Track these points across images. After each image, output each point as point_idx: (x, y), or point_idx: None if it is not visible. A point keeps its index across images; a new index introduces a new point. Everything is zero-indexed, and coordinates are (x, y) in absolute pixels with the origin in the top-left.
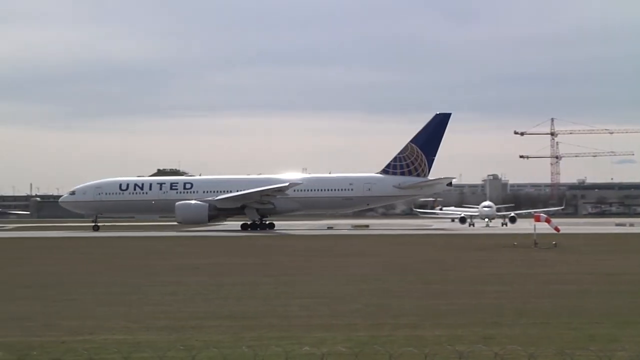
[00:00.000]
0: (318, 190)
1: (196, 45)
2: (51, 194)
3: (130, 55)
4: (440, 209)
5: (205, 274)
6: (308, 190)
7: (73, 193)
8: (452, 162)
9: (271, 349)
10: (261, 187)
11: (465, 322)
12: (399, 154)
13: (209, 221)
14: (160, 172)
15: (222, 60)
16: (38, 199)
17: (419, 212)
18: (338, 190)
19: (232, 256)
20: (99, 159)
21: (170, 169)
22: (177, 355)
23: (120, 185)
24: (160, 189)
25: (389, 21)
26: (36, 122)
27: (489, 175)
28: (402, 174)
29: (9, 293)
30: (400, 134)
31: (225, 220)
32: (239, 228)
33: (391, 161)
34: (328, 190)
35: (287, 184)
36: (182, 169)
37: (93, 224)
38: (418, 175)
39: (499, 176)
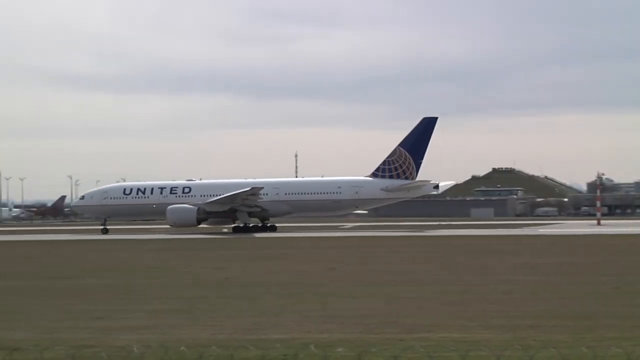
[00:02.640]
0: (309, 193)
1: (526, 43)
2: None
3: (460, 55)
4: None
5: (539, 273)
6: (299, 194)
7: (82, 198)
8: None
9: (611, 350)
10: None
11: None
12: (387, 157)
13: (198, 224)
14: (494, 171)
15: (553, 57)
16: None
17: None
18: (327, 193)
19: (553, 256)
20: (430, 159)
21: (505, 168)
22: (514, 354)
23: (125, 189)
24: (161, 193)
25: None
26: (363, 123)
27: None
28: (391, 177)
29: (354, 291)
30: None
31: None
32: (231, 231)
33: (380, 165)
34: (318, 193)
35: (248, 189)
36: (517, 168)
37: (102, 227)
38: (406, 178)
39: None
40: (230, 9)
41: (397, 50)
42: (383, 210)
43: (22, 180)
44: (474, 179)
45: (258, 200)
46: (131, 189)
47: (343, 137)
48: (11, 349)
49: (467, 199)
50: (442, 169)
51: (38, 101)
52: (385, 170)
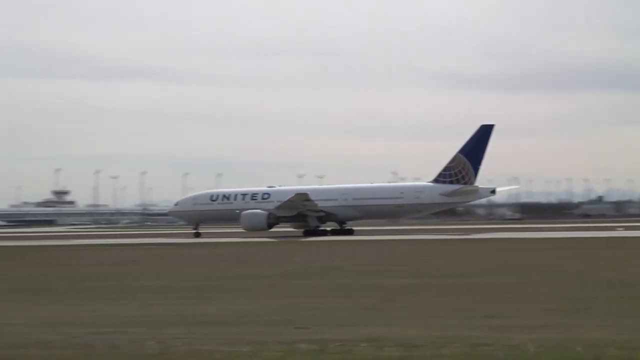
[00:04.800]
0: (374, 198)
1: None
2: None
3: None
4: None
5: None
6: (365, 199)
7: (177, 204)
8: None
9: None
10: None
11: None
12: (448, 163)
13: (269, 228)
14: None
15: None
16: None
17: None
18: (391, 198)
19: None
20: None
21: None
22: None
23: (211, 196)
24: (243, 199)
25: None
26: None
27: None
28: (451, 182)
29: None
30: None
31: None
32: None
33: (442, 171)
34: (382, 198)
35: (292, 196)
36: None
37: (194, 232)
38: (465, 183)
39: None
40: (623, 2)
41: None
42: None
43: (416, 180)
44: None
45: (317, 206)
46: (217, 196)
47: None
48: (409, 346)
49: None
50: None
51: (419, 101)
52: (445, 176)
